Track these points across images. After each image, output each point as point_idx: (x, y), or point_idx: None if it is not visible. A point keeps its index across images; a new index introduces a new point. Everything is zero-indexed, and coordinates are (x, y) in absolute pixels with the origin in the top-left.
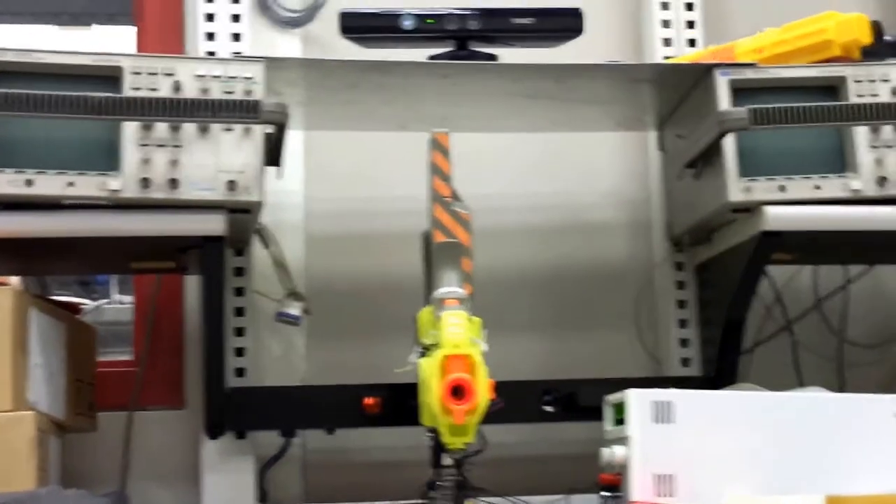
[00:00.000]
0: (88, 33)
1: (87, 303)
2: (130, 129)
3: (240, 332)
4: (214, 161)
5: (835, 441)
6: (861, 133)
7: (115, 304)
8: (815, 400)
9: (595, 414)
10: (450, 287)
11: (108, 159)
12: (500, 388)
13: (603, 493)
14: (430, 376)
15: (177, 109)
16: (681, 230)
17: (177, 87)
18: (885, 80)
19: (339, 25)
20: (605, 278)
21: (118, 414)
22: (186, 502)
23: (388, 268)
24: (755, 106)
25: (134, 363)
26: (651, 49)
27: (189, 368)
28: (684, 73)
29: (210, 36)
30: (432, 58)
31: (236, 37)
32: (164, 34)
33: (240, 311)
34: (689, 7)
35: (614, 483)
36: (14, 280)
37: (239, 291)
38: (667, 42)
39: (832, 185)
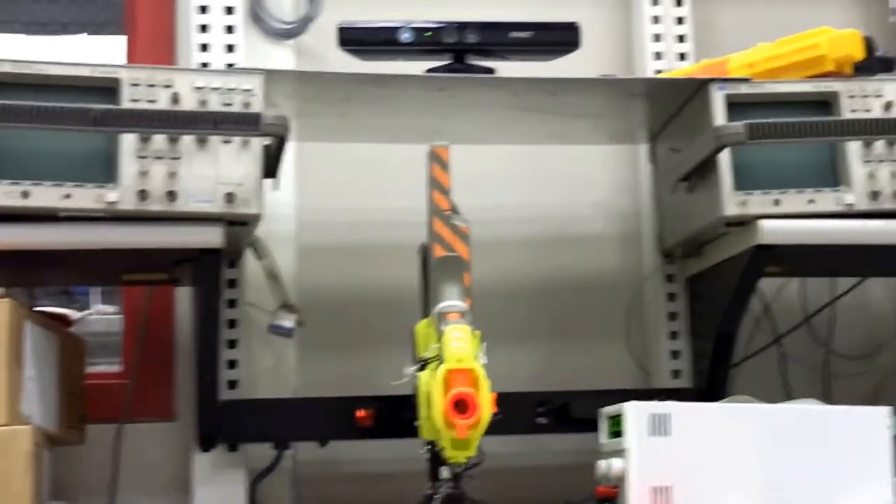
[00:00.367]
0: (77, 43)
1: (72, 314)
2: (128, 141)
3: (232, 343)
4: (213, 173)
5: (829, 452)
6: (854, 148)
7: (97, 315)
8: (809, 412)
9: (588, 426)
10: (451, 301)
11: (105, 171)
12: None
13: None
14: (433, 390)
15: (178, 121)
16: (673, 242)
17: (175, 98)
18: (878, 96)
19: (337, 38)
20: (595, 290)
21: (107, 426)
22: None
23: (380, 280)
24: (752, 121)
25: (122, 375)
26: (642, 63)
27: (180, 380)
28: (680, 88)
29: (204, 47)
30: (430, 71)
31: (230, 48)
32: (156, 44)
33: (232, 323)
34: (680, 21)
35: (611, 495)
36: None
37: (231, 303)
38: (658, 56)
39: (826, 199)
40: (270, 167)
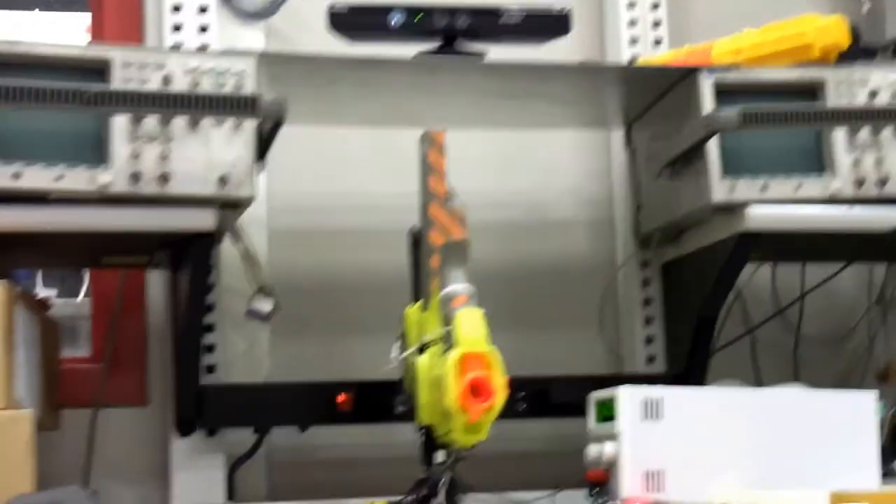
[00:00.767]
0: (34, 18)
1: (51, 298)
2: (120, 123)
3: (209, 328)
4: (205, 156)
5: (818, 436)
6: (840, 135)
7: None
8: (799, 396)
9: (567, 410)
10: (457, 284)
11: (96, 153)
12: None
13: (594, 491)
14: (447, 374)
15: (178, 104)
16: (650, 228)
17: (167, 80)
18: (864, 84)
19: (327, 21)
20: (567, 276)
21: (78, 411)
22: (154, 501)
23: (352, 264)
24: (746, 107)
25: (90, 360)
26: (616, 48)
27: (152, 365)
28: (668, 74)
29: (177, 28)
30: (420, 54)
31: (203, 28)
32: (122, 22)
33: (209, 308)
34: (655, 6)
35: (602, 480)
36: None
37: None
38: (633, 41)
39: (812, 186)
40: (261, 150)
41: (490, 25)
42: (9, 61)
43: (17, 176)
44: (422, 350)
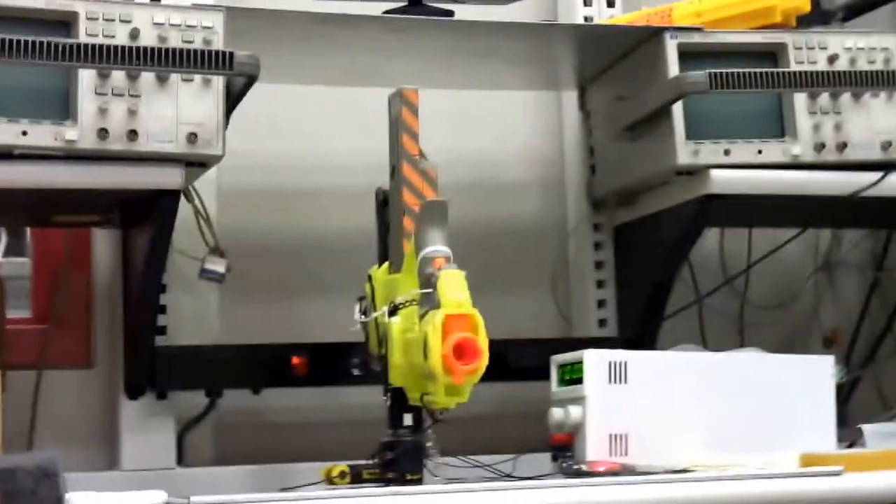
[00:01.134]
0: None
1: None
2: (87, 78)
3: (161, 289)
4: (173, 112)
5: (777, 400)
6: (800, 99)
7: None
8: (759, 360)
9: (524, 374)
10: (436, 246)
11: (62, 108)
12: None
13: (558, 454)
14: (430, 335)
15: (152, 58)
16: (606, 191)
17: (134, 34)
18: (823, 48)
19: None
20: (517, 237)
21: (22, 373)
22: (100, 464)
23: (306, 224)
24: (714, 70)
25: (34, 320)
26: (569, 8)
27: (99, 326)
28: (631, 35)
29: None
30: (388, 12)
31: None
32: None
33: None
34: None
35: (567, 443)
36: None
37: None
38: (586, 2)
39: (773, 150)
40: (228, 108)
41: None
42: None
43: None
44: (393, 312)
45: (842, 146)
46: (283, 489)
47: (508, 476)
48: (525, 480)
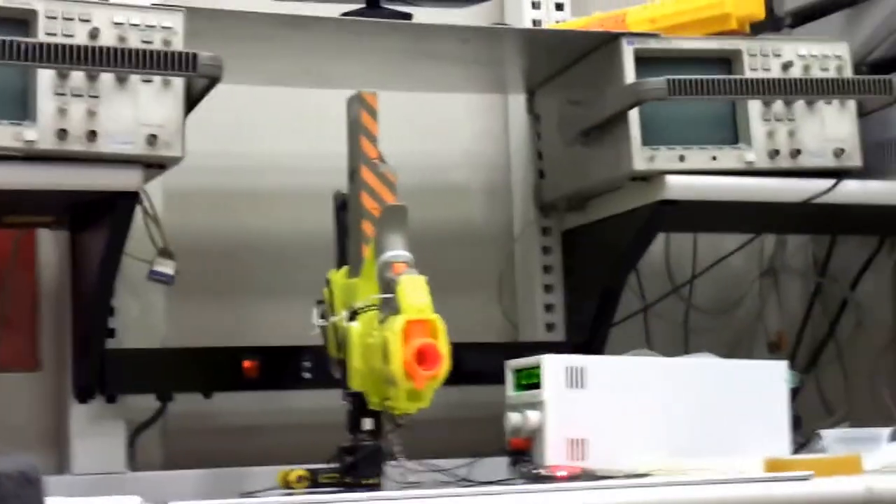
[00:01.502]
0: None
1: None
2: (46, 77)
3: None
4: (133, 113)
5: (733, 404)
6: (755, 106)
7: None
8: (714, 366)
9: (476, 378)
10: (396, 251)
11: (21, 108)
12: None
13: (516, 458)
14: (390, 341)
15: (116, 59)
16: (555, 196)
17: (94, 34)
18: (777, 55)
19: None
20: (463, 241)
21: None
22: (48, 469)
23: (255, 227)
24: (672, 76)
25: None
26: (517, 11)
27: (45, 329)
28: (587, 40)
29: None
30: (346, 14)
31: None
32: None
33: None
34: None
35: (525, 448)
36: None
37: None
38: (535, 5)
39: (728, 157)
40: (187, 109)
41: None
42: None
43: None
44: (352, 316)
45: (795, 153)
46: (245, 494)
47: (466, 480)
48: (489, 485)
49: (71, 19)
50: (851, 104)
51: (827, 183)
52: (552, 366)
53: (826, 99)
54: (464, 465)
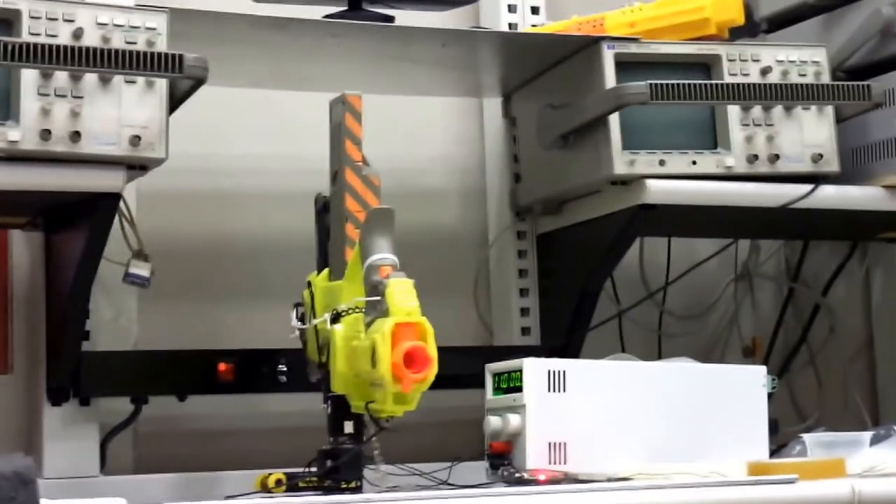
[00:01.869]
0: None
1: None
2: (29, 77)
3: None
4: (116, 114)
5: (711, 409)
6: (733, 111)
7: None
8: (693, 370)
9: (450, 382)
10: (383, 254)
11: (4, 108)
12: None
13: (497, 462)
14: (378, 344)
15: (104, 60)
16: (531, 200)
17: (77, 34)
18: (756, 60)
19: None
20: (438, 245)
21: None
22: None
23: (224, 229)
24: (654, 81)
25: None
26: (493, 15)
27: (17, 331)
28: (567, 44)
29: None
30: (328, 16)
31: None
32: None
33: None
34: None
35: (505, 451)
36: None
37: None
38: (511, 8)
39: (707, 161)
40: (170, 110)
41: None
42: None
43: None
44: (335, 319)
45: (774, 158)
46: (227, 497)
47: (446, 483)
48: (470, 489)
49: (55, 19)
50: (829, 110)
51: (805, 188)
52: (534, 369)
53: (805, 104)
54: (444, 468)
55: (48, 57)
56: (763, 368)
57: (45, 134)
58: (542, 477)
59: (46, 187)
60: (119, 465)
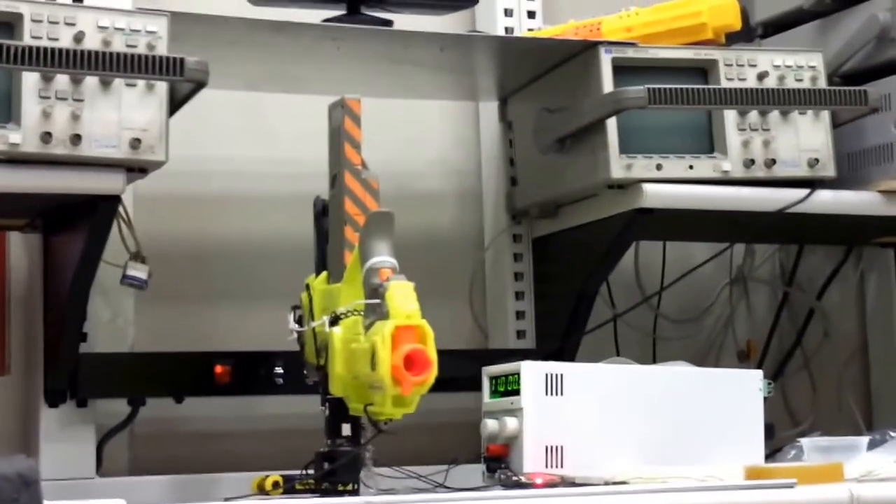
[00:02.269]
0: None
1: None
2: (30, 80)
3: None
4: (116, 117)
5: (708, 413)
6: (730, 116)
7: None
8: (690, 374)
9: (446, 385)
10: (382, 256)
11: (5, 111)
12: None
13: (494, 465)
14: (378, 346)
15: (106, 63)
16: (527, 203)
17: (79, 37)
18: (753, 65)
19: None
20: (434, 248)
21: None
22: None
23: (220, 231)
24: (652, 86)
25: None
26: (489, 19)
27: (14, 333)
28: (564, 48)
29: None
30: (328, 20)
31: None
32: None
33: None
34: None
35: (502, 454)
36: None
37: None
38: (507, 12)
39: (704, 166)
40: (170, 113)
41: None
42: None
43: None
44: (334, 322)
45: (770, 163)
46: (226, 499)
47: (443, 486)
48: (467, 492)
49: (56, 23)
50: (826, 115)
51: (801, 193)
52: (531, 372)
53: (801, 109)
54: (440, 471)
55: (49, 60)
56: (759, 372)
57: (46, 136)
58: (538, 480)
59: (47, 190)
60: (116, 467)
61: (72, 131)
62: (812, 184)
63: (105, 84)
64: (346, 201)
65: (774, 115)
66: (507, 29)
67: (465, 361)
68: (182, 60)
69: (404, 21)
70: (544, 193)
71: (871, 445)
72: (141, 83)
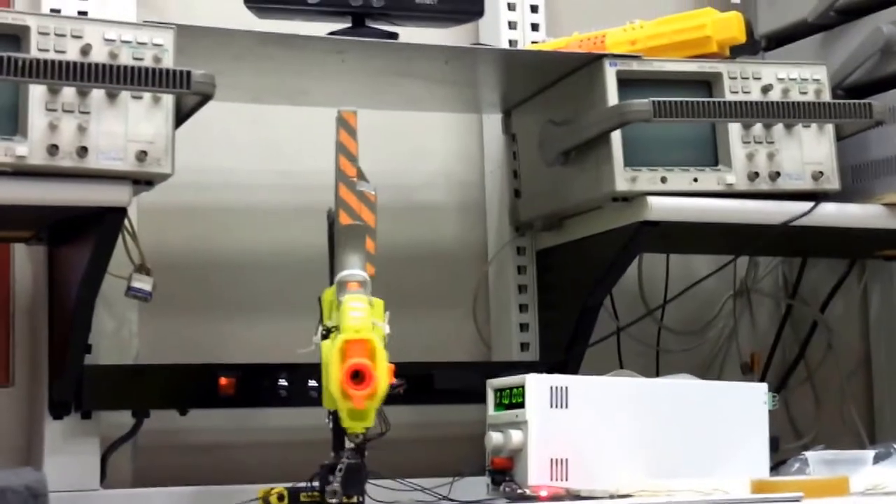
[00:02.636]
0: None
1: None
2: (37, 94)
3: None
4: (123, 130)
5: (713, 426)
6: (734, 129)
7: None
8: (695, 387)
9: (448, 397)
10: (352, 269)
11: (12, 123)
12: None
13: (499, 477)
14: (330, 360)
15: (113, 76)
16: (532, 216)
17: (85, 50)
18: (757, 78)
19: None
20: (436, 260)
21: None
22: None
23: (225, 243)
24: (658, 99)
25: None
26: (494, 31)
27: (19, 344)
28: (569, 61)
29: None
30: (333, 33)
31: None
32: None
33: None
34: None
35: (507, 467)
36: None
37: None
38: (511, 25)
39: (708, 179)
40: (176, 125)
41: (405, 5)
42: None
43: None
44: (326, 335)
45: (774, 175)
46: None
47: (447, 499)
48: None
49: (63, 35)
50: (830, 128)
51: (805, 205)
52: (536, 385)
53: (806, 122)
54: (444, 484)
55: (56, 73)
56: (764, 385)
57: (53, 149)
58: (543, 493)
59: (53, 202)
60: (119, 479)
61: (78, 144)
62: (816, 196)
63: (111, 97)
64: (340, 213)
65: (779, 127)
66: (511, 42)
67: (469, 374)
68: (188, 73)
69: (409, 34)
70: (548, 206)
71: (877, 459)
72: (147, 96)
